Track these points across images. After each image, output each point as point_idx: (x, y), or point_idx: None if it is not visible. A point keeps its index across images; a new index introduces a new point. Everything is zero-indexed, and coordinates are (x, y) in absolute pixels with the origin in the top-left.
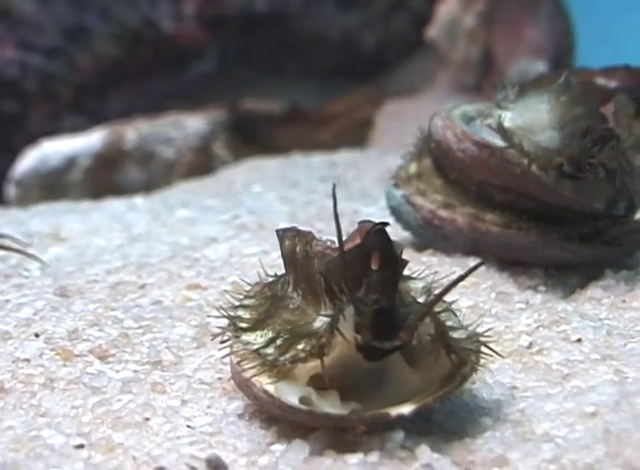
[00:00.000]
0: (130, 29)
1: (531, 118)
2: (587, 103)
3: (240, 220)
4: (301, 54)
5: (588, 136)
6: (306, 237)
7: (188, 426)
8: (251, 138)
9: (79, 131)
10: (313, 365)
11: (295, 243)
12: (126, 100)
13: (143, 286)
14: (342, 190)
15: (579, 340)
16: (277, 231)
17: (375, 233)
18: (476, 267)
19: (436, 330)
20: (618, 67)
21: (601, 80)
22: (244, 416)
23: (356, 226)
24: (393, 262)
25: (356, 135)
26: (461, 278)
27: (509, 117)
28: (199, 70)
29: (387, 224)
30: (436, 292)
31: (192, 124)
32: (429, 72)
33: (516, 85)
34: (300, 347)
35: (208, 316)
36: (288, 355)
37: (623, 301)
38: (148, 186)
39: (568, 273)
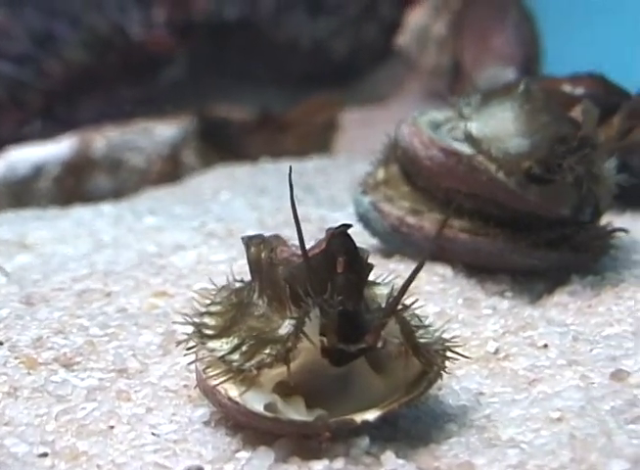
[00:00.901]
0: (100, 37)
1: (498, 126)
2: (552, 110)
3: (208, 227)
4: (272, 61)
5: (563, 143)
6: (271, 244)
7: (153, 434)
8: (221, 145)
9: (48, 139)
10: (278, 372)
11: (260, 250)
12: (96, 107)
13: (109, 294)
14: (310, 196)
15: (546, 345)
16: (242, 238)
17: (338, 235)
18: (421, 265)
19: (403, 332)
20: (583, 74)
21: (567, 88)
22: (209, 423)
23: (324, 233)
24: (358, 266)
25: (320, 139)
26: (416, 271)
27: (475, 126)
28: (169, 76)
29: (349, 226)
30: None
31: (161, 132)
32: (398, 80)
33: (478, 93)
34: (266, 352)
35: (174, 323)
36: (253, 361)
37: (589, 306)
38: (117, 194)
39: (534, 279)
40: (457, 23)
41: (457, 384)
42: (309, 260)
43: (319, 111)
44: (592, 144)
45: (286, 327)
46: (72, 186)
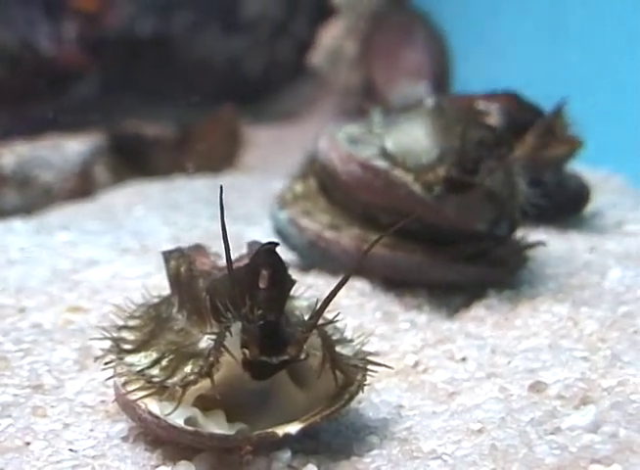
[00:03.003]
0: (8, 51)
1: (411, 142)
2: (464, 120)
3: (122, 243)
4: (186, 78)
5: (479, 145)
6: (190, 257)
7: (70, 450)
8: (132, 161)
9: None
10: (199, 386)
11: (179, 264)
12: (5, 123)
13: (22, 309)
14: (225, 212)
15: (464, 358)
16: (162, 253)
17: (265, 252)
18: (345, 281)
19: (324, 345)
20: (498, 91)
21: (481, 104)
22: (128, 439)
23: (244, 248)
24: (282, 281)
25: (225, 154)
26: (340, 286)
27: (390, 142)
28: (80, 93)
29: (277, 244)
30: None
31: (72, 148)
32: (311, 98)
33: (385, 111)
34: (188, 369)
35: (91, 339)
36: (176, 379)
37: (506, 319)
38: (27, 210)
39: (452, 293)
40: (367, 43)
41: (377, 397)
42: (233, 273)
43: (218, 126)
44: (509, 145)
45: (206, 341)
46: None
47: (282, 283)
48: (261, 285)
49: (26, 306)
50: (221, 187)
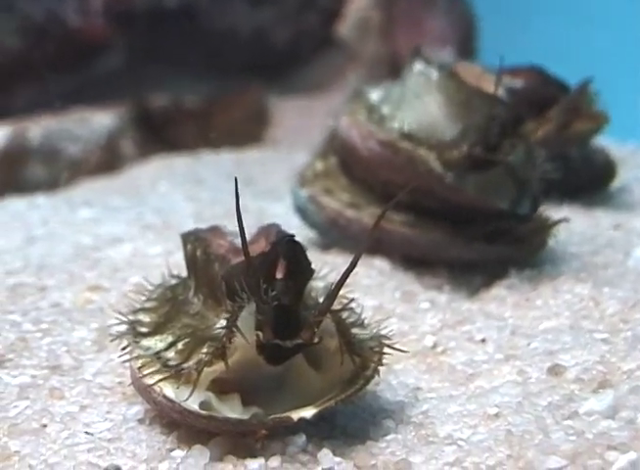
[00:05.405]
0: (35, 24)
1: (429, 116)
2: (479, 93)
3: (145, 220)
4: (212, 50)
5: (497, 121)
6: (206, 240)
7: (86, 432)
8: (158, 134)
9: None
10: (214, 369)
11: (195, 247)
12: (31, 96)
13: (43, 288)
14: (249, 188)
15: (483, 340)
16: (181, 235)
17: (286, 242)
18: (356, 261)
19: (339, 329)
20: (522, 66)
21: (506, 80)
22: (144, 421)
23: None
24: (300, 272)
25: (250, 131)
26: (351, 267)
27: (408, 121)
28: (106, 65)
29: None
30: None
31: (98, 121)
32: (339, 69)
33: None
34: (203, 353)
35: (109, 321)
36: (191, 362)
37: (527, 299)
38: (52, 184)
39: (472, 272)
40: (390, 11)
41: (395, 379)
42: (251, 261)
43: (244, 105)
44: (522, 120)
45: (221, 325)
46: (6, 176)
47: (300, 274)
48: (279, 275)
49: (47, 285)
50: (236, 179)
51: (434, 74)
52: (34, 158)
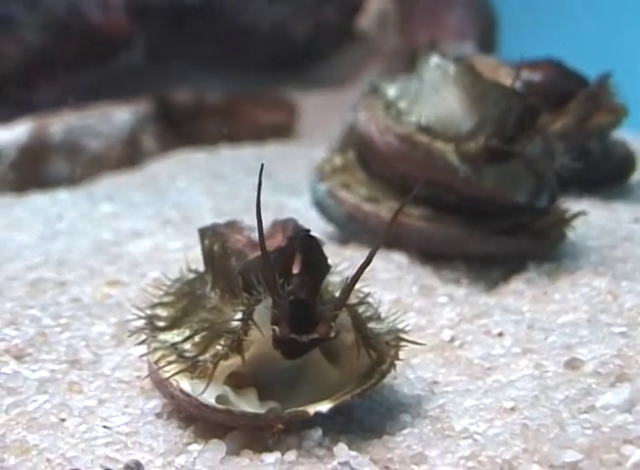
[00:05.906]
0: (57, 19)
1: (446, 109)
2: (495, 86)
3: (164, 215)
4: (233, 45)
5: (514, 113)
6: (224, 235)
7: (104, 426)
8: (179, 129)
9: (4, 123)
10: (230, 363)
11: (212, 242)
12: (53, 91)
13: (63, 283)
14: (269, 183)
15: (501, 334)
16: (198, 230)
17: (303, 238)
18: (372, 256)
19: (354, 324)
20: (541, 60)
21: (524, 73)
22: (161, 415)
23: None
24: (316, 267)
25: (274, 131)
26: (367, 263)
27: (425, 114)
28: (127, 61)
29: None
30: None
31: (120, 116)
32: (360, 62)
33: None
34: (220, 346)
35: (128, 316)
36: (208, 355)
37: (545, 293)
38: (74, 179)
39: (490, 266)
40: (409, 5)
41: (412, 372)
42: (267, 256)
43: (272, 111)
44: (537, 112)
45: (237, 317)
46: (29, 171)
47: (316, 269)
48: (295, 270)
49: (67, 280)
50: (261, 171)
51: (451, 68)
52: (56, 153)
